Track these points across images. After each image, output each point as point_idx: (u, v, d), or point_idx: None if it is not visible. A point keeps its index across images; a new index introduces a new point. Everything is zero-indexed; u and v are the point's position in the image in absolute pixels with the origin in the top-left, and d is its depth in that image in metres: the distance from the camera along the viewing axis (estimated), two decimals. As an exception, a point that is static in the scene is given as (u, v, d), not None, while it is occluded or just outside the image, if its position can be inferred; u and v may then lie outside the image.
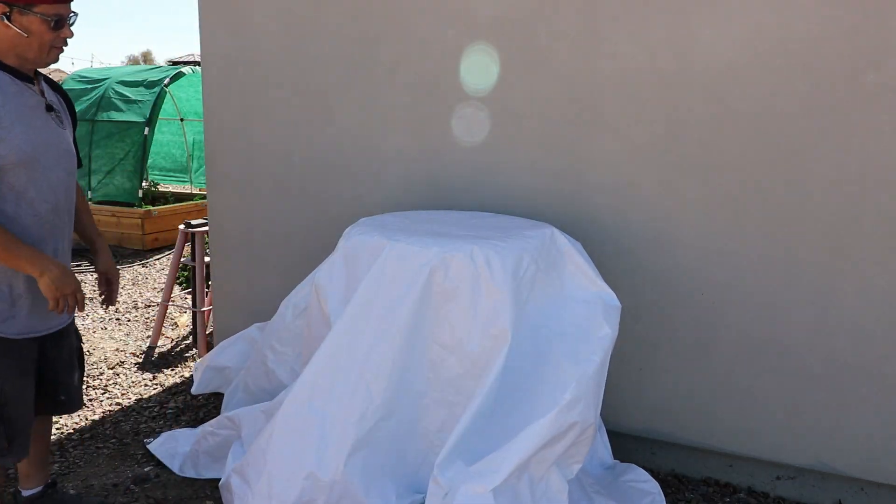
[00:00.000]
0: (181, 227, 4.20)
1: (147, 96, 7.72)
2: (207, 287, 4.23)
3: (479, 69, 3.04)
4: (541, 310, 2.42)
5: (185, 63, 10.29)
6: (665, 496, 2.64)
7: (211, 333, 4.19)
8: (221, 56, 3.59)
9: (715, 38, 2.64)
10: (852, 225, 2.54)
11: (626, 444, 2.98)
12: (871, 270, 2.54)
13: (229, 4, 3.52)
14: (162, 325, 4.28)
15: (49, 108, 2.11)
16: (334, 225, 3.39)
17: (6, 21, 1.95)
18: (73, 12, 2.02)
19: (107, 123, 7.62)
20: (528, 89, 2.96)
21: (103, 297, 2.42)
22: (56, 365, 2.27)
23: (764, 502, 2.79)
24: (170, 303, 4.32)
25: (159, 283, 5.98)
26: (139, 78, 8.04)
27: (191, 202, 8.12)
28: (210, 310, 4.17)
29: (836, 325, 2.61)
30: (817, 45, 2.51)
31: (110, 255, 2.42)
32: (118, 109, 7.67)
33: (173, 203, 8.01)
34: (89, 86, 8.00)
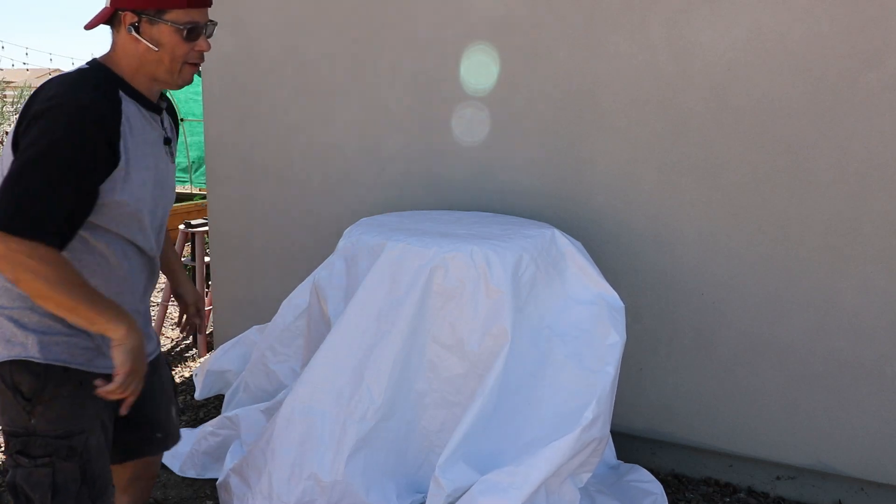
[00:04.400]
0: (181, 227, 4.19)
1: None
2: (207, 287, 4.22)
3: (480, 69, 3.04)
4: (542, 310, 2.42)
5: (185, 63, 10.29)
6: (665, 496, 2.64)
7: (211, 333, 4.19)
8: (221, 56, 3.59)
9: (715, 38, 2.64)
10: (852, 225, 2.55)
11: (627, 444, 2.98)
12: (871, 270, 2.54)
13: (229, 4, 3.52)
14: (162, 325, 4.28)
15: (167, 142, 1.74)
16: (334, 225, 3.39)
17: (135, 34, 1.56)
18: (211, 21, 1.65)
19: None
20: (528, 89, 2.96)
21: (189, 328, 2.08)
22: (149, 401, 1.85)
23: (764, 502, 2.79)
24: (170, 303, 4.31)
25: (159, 283, 5.98)
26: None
27: (191, 202, 8.11)
28: (210, 310, 4.17)
29: (836, 325, 2.61)
30: (817, 45, 2.51)
31: (193, 285, 2.08)
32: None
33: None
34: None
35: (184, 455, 2.91)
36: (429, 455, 2.34)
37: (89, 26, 1.63)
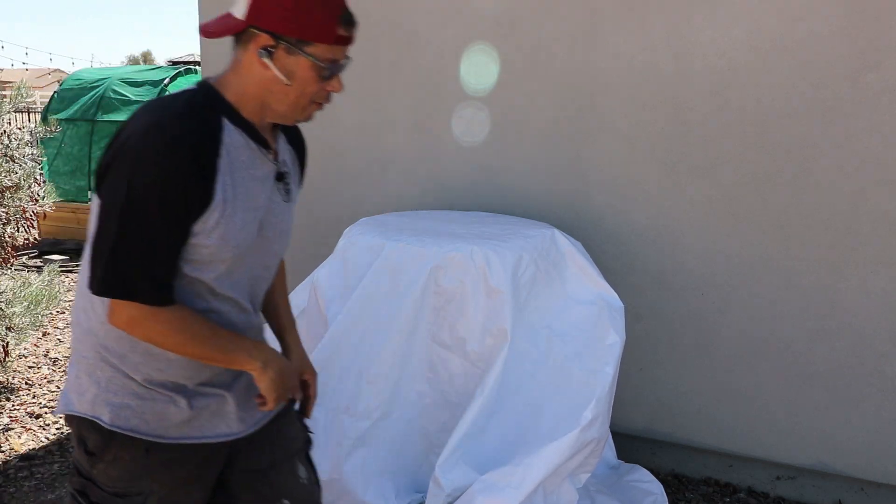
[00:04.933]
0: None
1: (147, 96, 7.72)
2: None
3: (480, 69, 3.04)
4: (542, 310, 2.42)
5: (185, 63, 10.30)
6: (665, 496, 2.64)
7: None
8: (221, 56, 3.58)
9: (715, 38, 2.64)
10: (852, 225, 2.54)
11: (627, 444, 2.98)
12: (871, 270, 2.54)
13: (229, 4, 3.52)
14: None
15: (279, 177, 1.47)
16: (334, 225, 3.39)
17: (267, 59, 1.32)
18: (348, 57, 1.40)
19: (107, 123, 7.62)
20: (528, 89, 2.96)
21: (298, 405, 1.67)
22: (264, 455, 1.58)
23: (764, 502, 2.79)
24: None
25: (159, 283, 5.97)
26: (139, 78, 8.05)
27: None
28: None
29: (836, 325, 2.61)
30: (817, 45, 2.51)
31: (305, 352, 1.70)
32: (118, 110, 7.66)
33: (173, 203, 8.01)
34: (89, 86, 8.00)
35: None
36: (428, 455, 2.34)
37: (211, 34, 1.38)
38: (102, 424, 1.38)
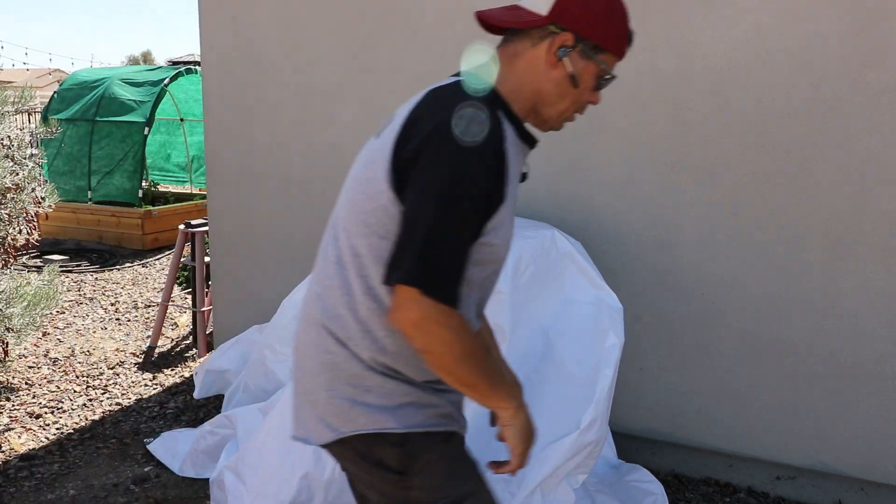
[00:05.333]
0: (181, 227, 4.19)
1: (147, 96, 7.72)
2: (207, 287, 4.22)
3: (480, 69, 3.03)
4: (541, 311, 2.42)
5: (185, 63, 10.31)
6: (666, 496, 2.64)
7: (211, 333, 4.19)
8: (221, 56, 3.59)
9: (715, 38, 2.64)
10: (852, 225, 2.54)
11: (627, 444, 2.98)
12: (871, 270, 2.54)
13: (229, 4, 3.52)
14: (162, 325, 4.28)
15: (523, 178, 1.42)
16: (334, 225, 3.39)
17: (562, 57, 1.29)
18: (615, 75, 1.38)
19: (107, 123, 7.62)
20: (528, 89, 2.95)
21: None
22: None
23: (764, 502, 2.79)
24: (170, 303, 4.32)
25: (159, 283, 5.98)
26: (139, 78, 8.05)
27: (191, 202, 8.12)
28: (210, 310, 4.17)
29: (836, 325, 2.61)
30: (817, 45, 2.51)
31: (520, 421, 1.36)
32: (118, 110, 7.67)
33: (173, 203, 8.01)
34: (89, 86, 8.00)
35: (184, 455, 2.91)
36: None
37: (498, 22, 1.34)
38: (394, 431, 1.26)
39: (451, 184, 1.18)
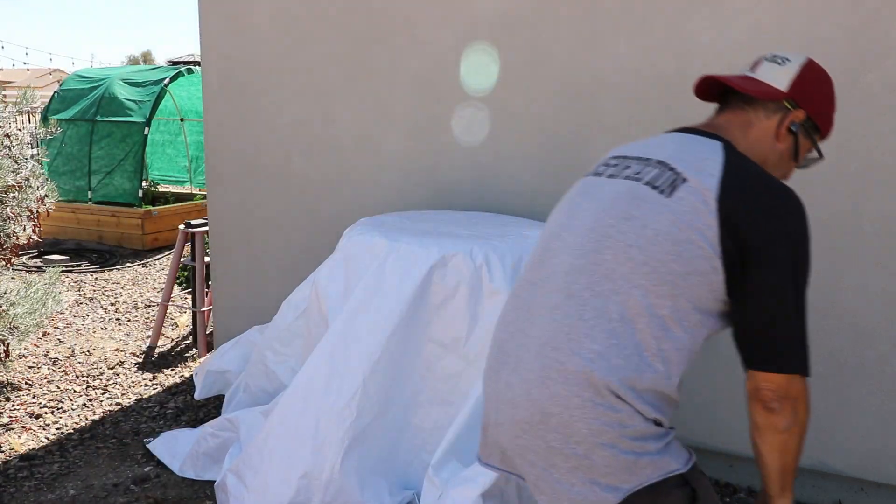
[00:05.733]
0: (181, 227, 4.20)
1: (147, 96, 7.72)
2: (207, 287, 4.22)
3: (479, 69, 3.04)
4: (541, 310, 2.41)
5: (185, 63, 10.31)
6: (665, 496, 2.64)
7: (211, 333, 4.19)
8: (221, 56, 3.59)
9: (715, 38, 2.64)
10: (852, 225, 2.54)
11: (626, 444, 2.98)
12: (871, 270, 2.54)
13: (229, 5, 3.52)
14: (162, 325, 4.28)
15: None
16: (334, 225, 3.39)
17: (799, 133, 1.42)
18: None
19: (107, 123, 7.62)
20: (528, 89, 2.96)
21: None
22: None
23: (764, 502, 2.79)
24: (170, 303, 4.32)
25: (159, 283, 5.98)
26: (139, 78, 8.05)
27: (191, 202, 8.12)
28: (210, 310, 4.17)
29: (836, 325, 2.61)
30: (817, 45, 2.51)
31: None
32: (118, 109, 7.67)
33: (173, 203, 8.01)
34: (89, 86, 8.00)
35: (184, 455, 2.91)
36: (420, 453, 2.34)
37: (735, 87, 1.43)
38: (678, 472, 1.29)
39: (803, 268, 1.29)
